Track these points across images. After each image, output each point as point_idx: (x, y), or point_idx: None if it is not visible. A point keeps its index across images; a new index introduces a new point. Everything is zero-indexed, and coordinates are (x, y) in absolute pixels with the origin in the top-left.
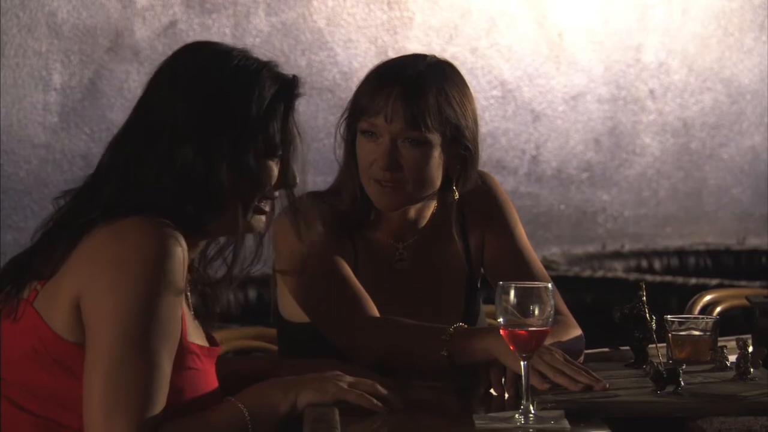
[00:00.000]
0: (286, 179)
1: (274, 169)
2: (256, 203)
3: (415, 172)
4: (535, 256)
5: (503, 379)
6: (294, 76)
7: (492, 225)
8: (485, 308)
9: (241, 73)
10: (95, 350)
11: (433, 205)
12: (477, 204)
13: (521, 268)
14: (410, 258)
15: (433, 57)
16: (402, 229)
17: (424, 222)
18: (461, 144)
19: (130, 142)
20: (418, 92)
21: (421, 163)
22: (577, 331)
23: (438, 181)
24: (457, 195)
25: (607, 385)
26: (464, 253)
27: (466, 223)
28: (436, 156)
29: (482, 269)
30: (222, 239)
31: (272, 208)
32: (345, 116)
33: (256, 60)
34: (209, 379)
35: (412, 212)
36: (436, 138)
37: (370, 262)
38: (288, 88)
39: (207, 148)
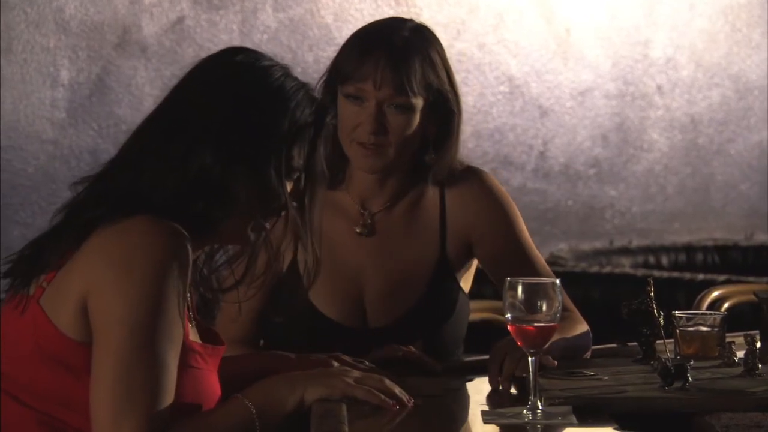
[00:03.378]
0: (293, 200)
1: (288, 189)
2: (261, 218)
3: (399, 136)
4: (537, 253)
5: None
6: (326, 105)
7: (489, 223)
8: (489, 303)
9: (279, 90)
10: (103, 351)
11: (402, 175)
12: (465, 197)
13: (524, 266)
14: (373, 227)
15: (412, 21)
16: (369, 195)
17: (392, 190)
18: (442, 107)
19: (151, 135)
20: (405, 58)
21: (405, 128)
22: (583, 327)
23: (415, 144)
24: (433, 156)
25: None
26: (439, 238)
27: (445, 211)
28: (418, 120)
29: (480, 264)
30: (231, 248)
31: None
32: (324, 78)
33: (296, 79)
34: (211, 379)
35: (382, 178)
36: (419, 102)
37: (332, 224)
38: (322, 113)
39: (227, 156)
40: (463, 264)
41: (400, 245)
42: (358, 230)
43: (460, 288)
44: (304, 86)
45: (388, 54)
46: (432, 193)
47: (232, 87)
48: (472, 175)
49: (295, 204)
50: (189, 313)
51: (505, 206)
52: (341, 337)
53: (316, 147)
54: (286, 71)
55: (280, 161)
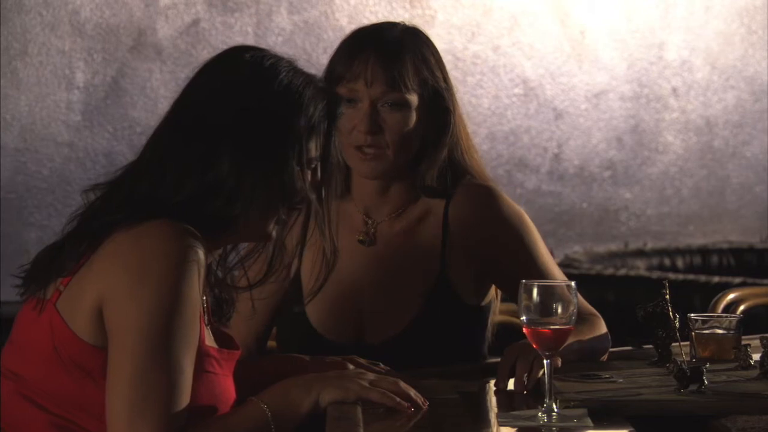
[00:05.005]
0: (312, 191)
1: (307, 181)
2: (281, 214)
3: (396, 135)
4: (553, 270)
5: (510, 376)
6: (337, 94)
7: (498, 248)
8: (506, 306)
9: (288, 88)
10: (118, 355)
11: (405, 184)
12: (469, 220)
13: None
14: (375, 237)
15: (404, 23)
16: (372, 205)
17: (396, 201)
18: (439, 106)
19: (168, 139)
20: (396, 55)
21: (402, 126)
22: (601, 330)
23: (415, 146)
24: (431, 160)
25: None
26: (440, 256)
27: (448, 229)
28: (415, 119)
29: (498, 288)
30: (242, 248)
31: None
32: None
33: (303, 74)
34: (226, 384)
35: (384, 186)
36: (414, 100)
37: (335, 233)
38: (333, 105)
39: (245, 156)
40: (470, 284)
41: (399, 258)
42: (359, 238)
43: (465, 306)
44: (312, 80)
45: (379, 51)
46: (437, 208)
47: (243, 89)
48: (478, 195)
49: (314, 196)
50: (204, 317)
51: (515, 230)
52: (334, 353)
53: (331, 137)
54: (291, 65)
55: (299, 156)
